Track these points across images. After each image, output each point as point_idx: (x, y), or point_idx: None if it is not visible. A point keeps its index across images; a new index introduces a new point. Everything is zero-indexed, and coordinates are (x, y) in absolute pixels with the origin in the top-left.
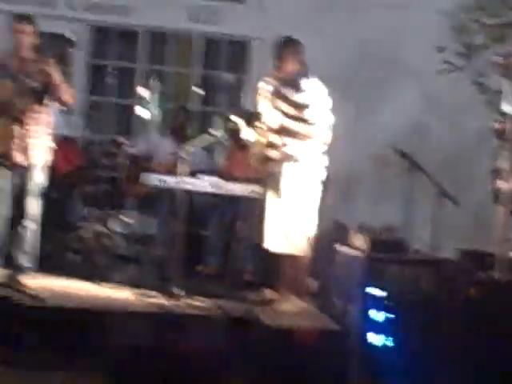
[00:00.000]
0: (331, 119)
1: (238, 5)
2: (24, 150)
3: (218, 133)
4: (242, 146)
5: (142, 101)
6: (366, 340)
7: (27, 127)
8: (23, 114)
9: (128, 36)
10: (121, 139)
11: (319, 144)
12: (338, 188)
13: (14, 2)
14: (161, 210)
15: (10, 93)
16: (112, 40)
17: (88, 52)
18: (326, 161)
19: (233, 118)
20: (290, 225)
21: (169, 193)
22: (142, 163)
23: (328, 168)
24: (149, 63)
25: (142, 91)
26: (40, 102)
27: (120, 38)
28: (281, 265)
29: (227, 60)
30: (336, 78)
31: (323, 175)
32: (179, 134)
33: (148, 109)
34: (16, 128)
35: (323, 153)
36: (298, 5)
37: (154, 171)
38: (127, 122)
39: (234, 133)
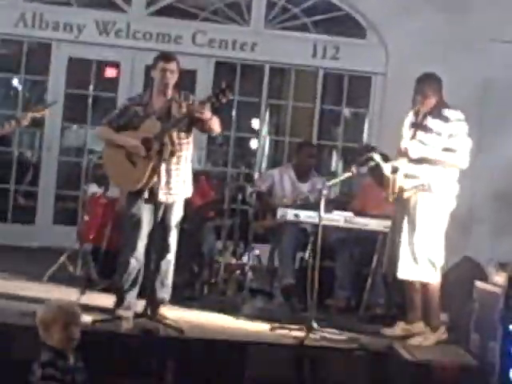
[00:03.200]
0: (470, 145)
1: (359, 40)
2: (168, 187)
3: (353, 168)
4: (379, 181)
5: (256, 134)
6: (507, 377)
7: (173, 164)
8: (171, 152)
9: (251, 71)
10: None
11: (458, 172)
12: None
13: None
14: (289, 244)
15: (157, 130)
16: (235, 75)
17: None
18: (457, 189)
19: (374, 154)
20: (421, 253)
21: (296, 226)
22: (266, 198)
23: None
24: (270, 97)
25: (256, 124)
26: (188, 132)
27: (243, 73)
28: (411, 293)
29: (348, 95)
30: None
31: (454, 205)
32: (302, 169)
33: (261, 141)
34: (162, 165)
35: (456, 181)
36: (415, 40)
37: (276, 206)
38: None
39: (372, 168)
